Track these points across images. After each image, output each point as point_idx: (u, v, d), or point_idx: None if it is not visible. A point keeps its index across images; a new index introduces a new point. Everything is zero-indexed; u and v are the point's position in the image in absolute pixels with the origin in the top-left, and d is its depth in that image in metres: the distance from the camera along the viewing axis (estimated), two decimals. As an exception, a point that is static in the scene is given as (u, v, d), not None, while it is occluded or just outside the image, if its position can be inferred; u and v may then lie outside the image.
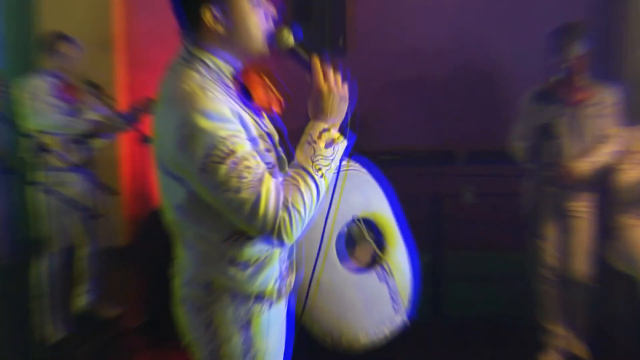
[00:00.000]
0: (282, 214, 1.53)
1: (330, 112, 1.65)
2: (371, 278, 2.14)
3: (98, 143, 4.29)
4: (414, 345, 3.88)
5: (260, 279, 1.73)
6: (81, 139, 4.09)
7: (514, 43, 4.84)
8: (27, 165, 3.63)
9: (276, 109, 1.80)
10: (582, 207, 3.76)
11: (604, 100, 3.68)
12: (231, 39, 1.66)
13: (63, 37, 4.28)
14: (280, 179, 1.59)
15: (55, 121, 4.10)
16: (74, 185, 4.19)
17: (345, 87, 1.67)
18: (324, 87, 1.64)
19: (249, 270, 1.71)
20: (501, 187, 4.17)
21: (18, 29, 5.75)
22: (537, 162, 3.61)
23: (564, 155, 3.64)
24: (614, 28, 5.00)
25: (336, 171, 1.71)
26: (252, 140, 1.60)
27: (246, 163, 1.51)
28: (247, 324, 1.74)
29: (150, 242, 5.13)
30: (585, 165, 3.58)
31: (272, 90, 1.81)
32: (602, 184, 3.78)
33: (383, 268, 2.15)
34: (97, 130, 4.19)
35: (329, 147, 1.63)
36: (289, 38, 1.68)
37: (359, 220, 2.16)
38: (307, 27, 4.80)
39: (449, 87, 5.28)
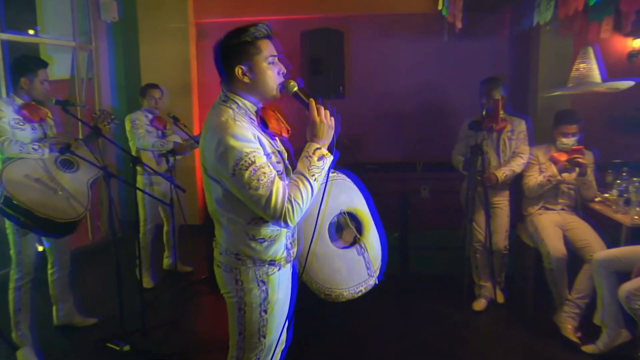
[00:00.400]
0: (287, 205, 1.59)
1: (321, 136, 1.69)
2: (352, 252, 2.13)
3: (179, 157, 4.28)
4: (389, 293, 3.92)
5: (272, 249, 1.78)
6: (167, 155, 4.09)
7: (457, 88, 4.80)
8: (129, 172, 3.67)
9: (285, 134, 1.84)
10: (502, 201, 3.73)
11: (517, 128, 3.65)
12: (254, 87, 1.73)
13: (153, 86, 4.30)
14: (286, 181, 1.66)
15: (149, 143, 4.13)
16: (160, 185, 4.22)
17: (332, 120, 1.70)
18: (317, 119, 1.68)
19: (265, 244, 1.76)
20: (447, 186, 4.16)
21: (127, 79, 5.78)
22: (471, 170, 3.57)
23: (489, 165, 3.63)
24: (526, 77, 4.96)
25: (326, 177, 1.74)
26: (267, 155, 1.65)
27: (263, 170, 1.59)
28: (263, 281, 1.78)
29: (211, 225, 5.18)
30: (503, 172, 3.57)
31: (282, 121, 1.85)
32: (515, 185, 3.76)
33: (361, 246, 2.15)
34: (178, 149, 4.19)
35: (320, 160, 1.67)
36: (294, 86, 1.74)
37: (345, 213, 2.15)
38: (317, 79, 4.87)
39: (412, 118, 5.27)
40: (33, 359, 3.09)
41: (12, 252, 3.06)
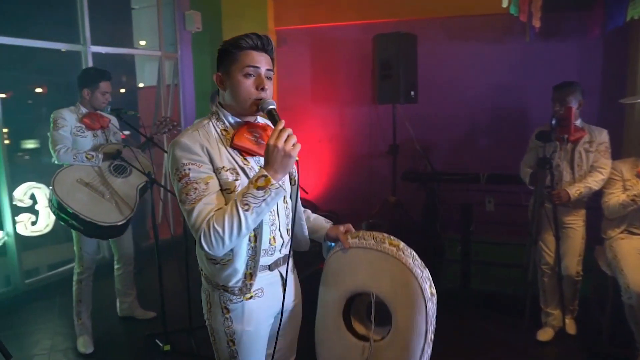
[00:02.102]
0: (204, 227, 1.42)
1: (272, 163, 1.42)
2: (355, 348, 1.76)
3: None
4: (445, 309, 3.54)
5: (223, 275, 1.58)
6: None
7: (535, 94, 4.22)
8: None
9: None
10: (576, 220, 3.17)
11: (596, 139, 3.08)
12: (230, 98, 1.56)
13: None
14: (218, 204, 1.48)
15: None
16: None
17: (295, 148, 1.41)
18: (271, 142, 1.41)
19: (217, 267, 1.58)
20: (514, 200, 3.65)
21: (211, 85, 5.88)
22: (537, 185, 3.08)
23: (560, 181, 3.11)
24: (620, 83, 4.23)
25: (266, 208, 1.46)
26: (216, 170, 1.50)
27: (194, 185, 1.46)
28: (227, 308, 1.61)
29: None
30: (577, 189, 3.02)
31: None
32: (593, 203, 3.18)
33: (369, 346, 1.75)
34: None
35: (260, 190, 1.40)
36: (268, 105, 1.52)
37: (374, 299, 1.72)
38: (388, 83, 4.55)
39: (483, 126, 4.77)
40: (89, 347, 3.21)
41: (75, 248, 3.19)
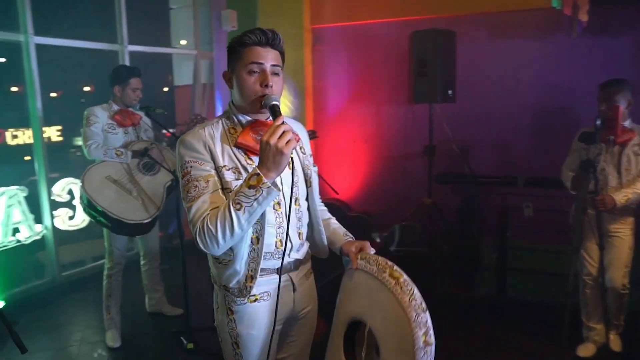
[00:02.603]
0: (199, 225, 1.40)
1: (264, 160, 1.36)
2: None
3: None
4: (480, 318, 3.45)
5: (224, 275, 1.56)
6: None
7: (580, 94, 3.97)
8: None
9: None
10: (622, 229, 2.93)
11: (644, 142, 2.85)
12: (237, 96, 1.53)
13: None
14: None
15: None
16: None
17: (288, 145, 1.34)
18: (264, 139, 1.35)
19: (220, 266, 1.58)
20: (555, 205, 3.44)
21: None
22: (581, 190, 2.88)
23: (606, 186, 2.89)
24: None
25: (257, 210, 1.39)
26: (217, 168, 1.48)
27: (194, 183, 1.45)
28: (229, 310, 1.59)
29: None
30: (625, 195, 2.79)
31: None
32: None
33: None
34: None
35: (251, 189, 1.35)
36: (271, 101, 1.45)
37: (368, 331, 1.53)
38: (424, 82, 4.41)
39: (523, 126, 4.54)
40: (117, 341, 3.25)
41: (105, 243, 3.24)
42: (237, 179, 1.48)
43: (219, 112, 5.65)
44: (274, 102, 1.45)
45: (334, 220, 1.82)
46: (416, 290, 1.37)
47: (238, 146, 1.51)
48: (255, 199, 1.35)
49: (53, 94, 5.76)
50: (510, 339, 3.24)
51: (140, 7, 4.94)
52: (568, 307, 3.02)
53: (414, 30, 4.47)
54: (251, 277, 1.53)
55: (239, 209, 1.36)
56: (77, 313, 3.78)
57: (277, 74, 1.51)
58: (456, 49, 4.43)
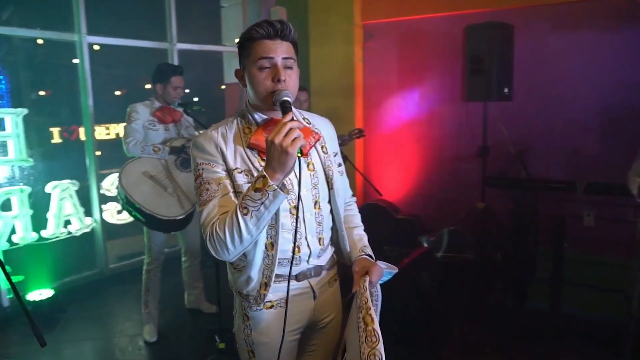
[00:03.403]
0: (209, 230, 1.35)
1: (270, 161, 1.27)
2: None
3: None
4: (533, 334, 3.20)
5: (239, 281, 1.51)
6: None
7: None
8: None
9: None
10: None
11: None
12: (251, 94, 1.46)
13: (300, 88, 4.16)
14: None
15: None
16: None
17: (294, 144, 1.23)
18: (269, 138, 1.26)
19: (234, 271, 1.52)
20: (619, 214, 3.11)
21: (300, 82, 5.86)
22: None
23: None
24: None
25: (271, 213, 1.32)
26: (229, 171, 1.42)
27: (206, 186, 1.40)
28: (245, 316, 1.53)
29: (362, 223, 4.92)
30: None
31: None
32: None
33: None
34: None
35: (258, 192, 1.27)
36: (281, 96, 1.36)
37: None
38: (479, 79, 4.16)
39: (585, 128, 4.16)
40: (153, 336, 3.30)
41: (145, 239, 3.29)
42: (249, 182, 1.40)
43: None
44: (285, 98, 1.36)
45: (358, 231, 1.70)
46: (380, 345, 1.25)
47: (251, 147, 1.44)
48: (262, 203, 1.27)
49: (117, 92, 6.00)
50: (563, 358, 2.97)
51: (192, 6, 5.02)
52: (631, 328, 2.73)
53: (469, 24, 4.23)
54: (265, 285, 1.46)
55: (246, 214, 1.29)
56: (120, 305, 3.89)
57: (289, 67, 1.42)
58: (514, 44, 4.14)
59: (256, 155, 1.44)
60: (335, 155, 1.63)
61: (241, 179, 1.41)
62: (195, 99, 6.06)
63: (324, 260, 1.59)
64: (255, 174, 1.40)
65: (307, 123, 1.61)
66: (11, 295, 3.63)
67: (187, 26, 4.77)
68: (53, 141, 4.86)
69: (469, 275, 4.02)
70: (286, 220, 1.46)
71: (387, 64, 5.37)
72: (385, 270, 1.53)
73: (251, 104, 1.49)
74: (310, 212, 1.51)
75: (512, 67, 4.17)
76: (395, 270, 1.57)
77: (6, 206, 3.63)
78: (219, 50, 5.43)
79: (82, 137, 4.19)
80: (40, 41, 4.28)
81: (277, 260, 1.44)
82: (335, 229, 1.63)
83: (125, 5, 4.69)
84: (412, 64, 5.19)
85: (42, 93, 5.27)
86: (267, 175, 1.26)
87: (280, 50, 1.40)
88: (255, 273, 1.45)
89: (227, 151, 1.42)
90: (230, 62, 5.50)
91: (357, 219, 1.75)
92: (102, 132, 4.83)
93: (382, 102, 5.45)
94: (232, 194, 1.40)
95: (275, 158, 1.25)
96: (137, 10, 4.74)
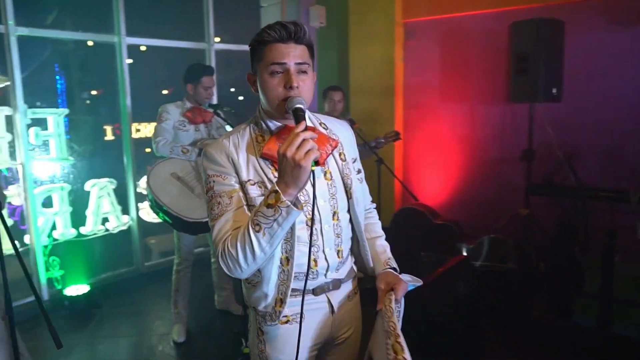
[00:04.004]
0: (220, 247, 1.28)
1: (282, 175, 1.18)
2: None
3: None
4: (580, 354, 2.98)
5: (253, 296, 1.44)
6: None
7: None
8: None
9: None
10: None
11: None
12: (263, 100, 1.37)
13: (334, 88, 4.08)
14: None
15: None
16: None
17: (307, 156, 1.15)
18: (280, 151, 1.18)
19: (249, 286, 1.45)
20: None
21: (335, 82, 5.76)
22: None
23: None
24: None
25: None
26: (242, 183, 1.34)
27: (217, 199, 1.33)
28: (259, 330, 1.46)
29: (398, 228, 4.78)
30: None
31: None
32: None
33: None
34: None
35: (270, 208, 1.19)
36: (294, 104, 1.29)
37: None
38: (524, 79, 3.93)
39: (636, 133, 3.83)
40: (182, 336, 3.29)
41: (174, 239, 3.29)
42: (263, 195, 1.33)
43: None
44: (297, 106, 1.27)
45: (380, 241, 1.61)
46: None
47: (264, 157, 1.35)
48: (275, 220, 1.19)
49: (165, 91, 6.11)
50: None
51: (231, 6, 5.02)
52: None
53: (515, 21, 4.00)
54: (281, 301, 1.38)
55: (258, 231, 1.21)
56: (153, 303, 3.92)
57: (304, 72, 1.33)
58: (564, 41, 3.88)
59: (270, 165, 1.35)
60: (354, 162, 1.54)
61: (254, 192, 1.33)
62: (241, 98, 6.07)
63: (342, 273, 1.50)
64: (269, 186, 1.32)
65: (323, 128, 1.51)
66: (52, 288, 3.74)
67: (227, 26, 4.77)
68: (106, 138, 4.99)
69: (510, 286, 3.80)
70: (302, 233, 1.37)
71: (429, 64, 5.18)
72: (410, 283, 1.45)
73: (264, 111, 1.40)
74: (329, 223, 1.43)
75: (562, 66, 3.91)
76: (419, 282, 1.48)
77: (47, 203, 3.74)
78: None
79: (134, 134, 4.28)
80: (90, 43, 4.39)
81: (293, 275, 1.37)
82: (355, 239, 1.54)
83: (164, 7, 4.73)
84: (454, 63, 4.98)
85: (94, 92, 5.43)
86: (279, 191, 1.18)
87: (293, 55, 1.31)
88: (270, 289, 1.38)
89: (239, 162, 1.35)
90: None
91: (378, 227, 1.66)
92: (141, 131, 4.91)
93: (423, 103, 5.27)
94: (245, 208, 1.32)
95: (288, 172, 1.17)
96: (176, 12, 4.77)
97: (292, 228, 1.33)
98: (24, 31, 3.51)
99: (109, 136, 4.76)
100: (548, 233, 4.01)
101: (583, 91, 4.00)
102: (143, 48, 4.62)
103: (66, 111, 3.78)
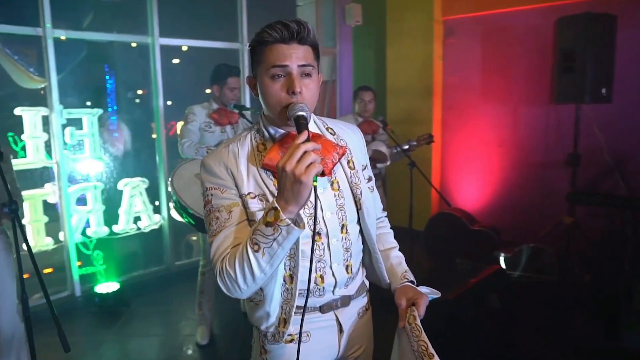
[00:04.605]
0: (219, 266, 1.18)
1: (282, 191, 1.08)
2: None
3: (380, 166, 3.82)
4: None
5: (255, 315, 1.32)
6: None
7: None
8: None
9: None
10: None
11: None
12: (263, 105, 1.27)
13: (364, 88, 3.92)
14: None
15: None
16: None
17: (308, 171, 1.04)
18: (279, 164, 1.07)
19: (251, 304, 1.33)
20: None
21: (368, 81, 5.60)
22: None
23: None
24: None
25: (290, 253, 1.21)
26: (241, 196, 1.23)
27: (216, 214, 1.23)
28: (262, 349, 1.37)
29: (432, 232, 4.59)
30: None
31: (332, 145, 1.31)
32: None
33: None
34: (378, 157, 3.74)
35: (270, 227, 1.08)
36: (295, 111, 1.16)
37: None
38: (570, 78, 3.67)
39: None
40: (205, 338, 3.25)
41: (200, 241, 3.25)
42: (264, 209, 1.22)
43: (344, 112, 5.44)
44: (299, 113, 1.15)
45: (394, 253, 1.50)
46: None
47: (265, 167, 1.25)
48: (274, 239, 1.09)
49: (208, 90, 6.16)
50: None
51: (268, 5, 4.96)
52: None
53: (561, 16, 3.73)
54: (284, 321, 1.28)
55: (257, 250, 1.11)
56: (180, 303, 3.91)
57: (308, 75, 1.21)
58: (616, 37, 3.58)
59: (271, 177, 1.24)
60: (364, 169, 1.41)
61: (255, 206, 1.22)
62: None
63: (352, 289, 1.39)
64: (271, 200, 1.21)
65: (330, 134, 1.39)
66: (84, 285, 3.81)
67: (259, 26, 4.71)
68: (154, 136, 5.08)
69: (550, 299, 3.55)
70: (308, 248, 1.25)
71: (469, 62, 4.94)
72: (429, 295, 1.35)
73: (266, 117, 1.29)
74: (337, 237, 1.31)
75: (613, 64, 3.62)
76: (438, 295, 1.36)
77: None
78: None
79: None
80: (134, 44, 4.45)
81: (297, 293, 1.26)
82: (367, 252, 1.42)
83: (198, 7, 4.73)
84: (496, 62, 4.72)
85: (139, 92, 5.54)
86: (278, 208, 1.07)
87: (296, 57, 1.19)
88: (273, 309, 1.27)
89: (237, 173, 1.24)
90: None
91: (391, 237, 1.54)
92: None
93: (462, 103, 5.04)
94: (246, 223, 1.22)
95: (288, 188, 1.06)
96: (210, 12, 4.77)
97: (296, 243, 1.22)
98: (61, 33, 3.57)
99: (153, 135, 4.83)
100: (594, 243, 3.72)
101: (636, 91, 3.67)
102: (185, 48, 4.64)
103: (100, 112, 3.83)
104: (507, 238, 4.34)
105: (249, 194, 1.23)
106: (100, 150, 3.83)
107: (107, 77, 6.34)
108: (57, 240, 3.70)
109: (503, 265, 4.06)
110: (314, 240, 1.21)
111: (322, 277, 1.30)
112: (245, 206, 1.23)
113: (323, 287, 1.31)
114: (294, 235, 1.09)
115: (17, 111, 3.47)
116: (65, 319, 3.50)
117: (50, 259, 3.77)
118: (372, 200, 1.42)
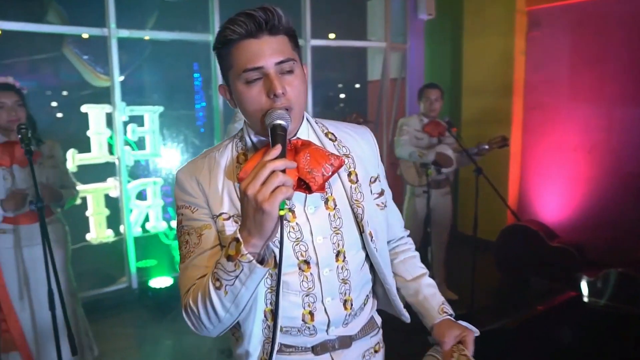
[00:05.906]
0: (184, 299, 1.00)
1: (245, 219, 0.87)
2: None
3: (445, 171, 3.46)
4: None
5: (236, 351, 1.11)
6: (426, 167, 3.34)
7: None
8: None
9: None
10: None
11: None
12: (242, 114, 1.05)
13: (431, 86, 3.56)
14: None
15: (406, 152, 3.48)
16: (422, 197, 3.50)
17: (273, 198, 0.83)
18: (242, 186, 0.86)
19: (233, 339, 1.12)
20: None
21: (443, 77, 5.16)
22: None
23: None
24: None
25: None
26: (213, 216, 1.02)
27: (186, 237, 1.04)
28: None
29: (505, 246, 4.09)
30: None
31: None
32: None
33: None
34: (441, 161, 3.37)
35: (231, 261, 0.89)
36: (273, 119, 0.95)
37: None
38: None
39: None
40: None
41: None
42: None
43: (413, 111, 5.05)
44: (276, 122, 0.93)
45: (425, 280, 1.24)
46: None
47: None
48: (237, 277, 0.90)
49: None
50: None
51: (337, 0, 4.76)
52: None
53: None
54: None
55: (219, 287, 0.92)
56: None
57: (289, 72, 0.98)
58: None
59: None
60: (374, 181, 1.14)
61: (230, 228, 1.01)
62: (342, 96, 5.81)
63: (353, 328, 1.13)
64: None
65: (330, 139, 1.13)
66: (141, 278, 3.85)
67: (332, 21, 4.52)
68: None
69: (639, 337, 2.96)
70: (293, 279, 1.04)
71: (556, 57, 4.33)
72: None
73: (248, 124, 1.07)
74: (330, 266, 1.07)
75: None
76: (476, 333, 1.15)
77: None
78: (357, 46, 5.04)
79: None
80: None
81: (279, 330, 1.04)
82: (378, 282, 1.16)
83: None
84: (587, 56, 4.08)
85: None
86: (240, 239, 0.87)
87: (270, 53, 0.96)
88: (253, 348, 1.06)
89: (210, 189, 1.03)
90: (373, 58, 5.09)
91: (418, 260, 1.28)
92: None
93: (547, 103, 4.44)
94: (219, 248, 1.02)
95: (250, 216, 0.86)
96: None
97: (277, 274, 0.98)
98: (125, 33, 3.60)
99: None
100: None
101: None
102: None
103: (161, 109, 3.83)
104: (592, 258, 3.75)
105: (220, 215, 1.02)
106: (159, 146, 3.84)
107: (195, 74, 6.50)
108: (117, 233, 3.77)
109: (585, 290, 3.49)
110: (279, 271, 0.95)
111: (311, 313, 1.06)
112: (217, 229, 1.02)
113: (313, 326, 1.07)
114: (258, 274, 0.89)
115: (84, 108, 3.55)
116: (121, 310, 3.58)
117: (110, 251, 3.86)
118: (383, 220, 1.15)
